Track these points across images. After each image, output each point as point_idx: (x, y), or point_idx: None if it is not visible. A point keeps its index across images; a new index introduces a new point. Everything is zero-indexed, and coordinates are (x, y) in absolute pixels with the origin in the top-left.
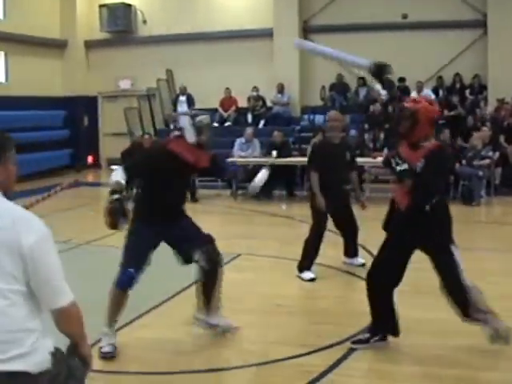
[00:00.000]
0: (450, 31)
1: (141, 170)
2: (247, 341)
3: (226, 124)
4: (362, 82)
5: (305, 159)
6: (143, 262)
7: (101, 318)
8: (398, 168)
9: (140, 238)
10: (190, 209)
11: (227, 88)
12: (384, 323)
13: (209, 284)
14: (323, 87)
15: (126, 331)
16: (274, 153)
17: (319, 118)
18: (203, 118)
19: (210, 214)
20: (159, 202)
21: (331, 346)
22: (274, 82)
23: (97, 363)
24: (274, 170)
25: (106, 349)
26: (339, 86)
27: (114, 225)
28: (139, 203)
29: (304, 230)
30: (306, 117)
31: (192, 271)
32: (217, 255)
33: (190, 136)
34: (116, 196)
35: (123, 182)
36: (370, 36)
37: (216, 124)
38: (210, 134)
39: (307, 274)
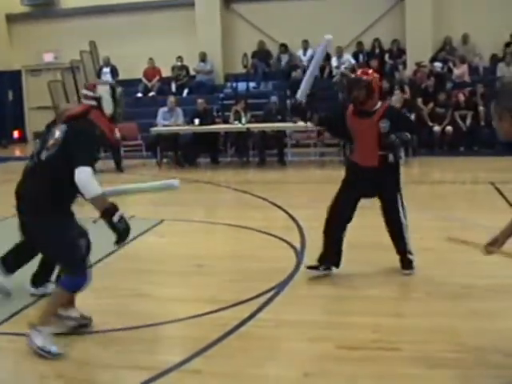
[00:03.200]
0: None
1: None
2: (167, 299)
3: (150, 94)
4: (284, 48)
5: (227, 126)
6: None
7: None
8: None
9: (73, 233)
10: (115, 179)
11: (150, 58)
12: (332, 256)
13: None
14: (245, 54)
15: None
16: (197, 120)
17: (242, 86)
18: (120, 89)
19: (135, 183)
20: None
21: (246, 301)
22: (197, 51)
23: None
24: (198, 137)
25: (53, 348)
26: (261, 53)
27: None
28: (58, 192)
29: (228, 196)
30: (228, 84)
31: None
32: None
33: (108, 107)
34: (119, 214)
35: (98, 187)
36: (290, 4)
37: (140, 94)
38: (123, 108)
39: None
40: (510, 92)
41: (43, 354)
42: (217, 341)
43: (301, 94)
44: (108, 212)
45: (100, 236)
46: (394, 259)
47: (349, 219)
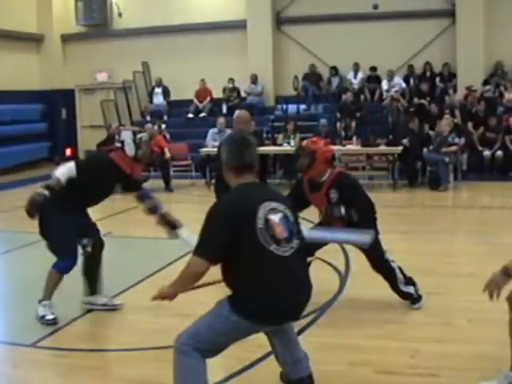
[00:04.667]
0: (419, 20)
1: (87, 170)
2: None
3: (201, 115)
4: (334, 71)
5: (276, 148)
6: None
7: (72, 301)
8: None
9: (71, 227)
10: (165, 198)
11: (202, 79)
12: None
13: (93, 266)
14: (296, 77)
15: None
16: None
17: (292, 108)
18: (143, 135)
19: (184, 202)
20: (89, 199)
21: None
22: (248, 73)
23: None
24: None
25: (51, 316)
26: (312, 76)
27: (30, 215)
28: (68, 196)
29: None
30: (279, 106)
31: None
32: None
33: (130, 150)
34: (46, 192)
35: (64, 179)
36: (341, 27)
37: (191, 115)
38: (146, 150)
39: None
40: None
41: (43, 322)
42: (257, 361)
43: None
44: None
45: (146, 255)
46: (433, 284)
47: None
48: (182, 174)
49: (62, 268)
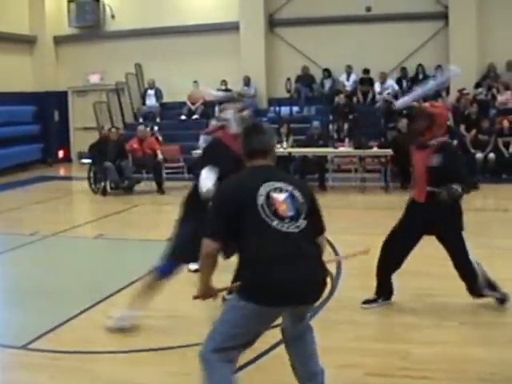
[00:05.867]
0: (412, 23)
1: (225, 162)
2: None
3: (194, 117)
4: (327, 73)
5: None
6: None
7: (64, 303)
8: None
9: (193, 229)
10: (157, 201)
11: (195, 81)
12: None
13: None
14: (289, 79)
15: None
16: None
17: (285, 110)
18: (246, 113)
19: (177, 205)
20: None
21: (279, 325)
22: (241, 75)
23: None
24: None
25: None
26: (305, 78)
27: None
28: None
29: None
30: (272, 109)
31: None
32: None
33: (235, 127)
34: None
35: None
36: (334, 29)
37: (184, 117)
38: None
39: None
40: None
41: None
42: (249, 363)
43: (402, 102)
44: None
45: (137, 257)
46: (426, 286)
47: (402, 258)
48: (175, 176)
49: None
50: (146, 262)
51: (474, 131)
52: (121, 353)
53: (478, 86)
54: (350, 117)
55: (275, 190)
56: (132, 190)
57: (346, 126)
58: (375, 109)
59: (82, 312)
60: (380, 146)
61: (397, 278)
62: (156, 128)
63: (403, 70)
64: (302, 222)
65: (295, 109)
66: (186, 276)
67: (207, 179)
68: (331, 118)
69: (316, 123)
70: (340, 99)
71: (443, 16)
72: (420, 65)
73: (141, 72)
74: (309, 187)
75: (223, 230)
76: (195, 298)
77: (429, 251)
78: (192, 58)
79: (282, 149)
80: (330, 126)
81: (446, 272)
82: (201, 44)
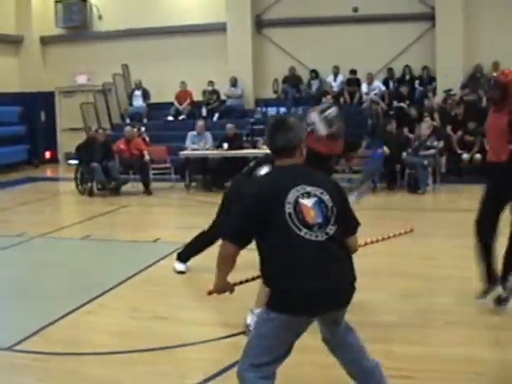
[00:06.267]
0: (399, 24)
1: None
2: (186, 322)
3: (181, 117)
4: (314, 74)
5: (255, 151)
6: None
7: (51, 304)
8: None
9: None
10: (144, 202)
11: (182, 82)
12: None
13: None
14: (276, 80)
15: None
16: (225, 145)
17: (272, 111)
18: (330, 111)
19: (164, 206)
20: None
21: None
22: (228, 76)
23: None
24: (227, 161)
25: None
26: (292, 79)
27: None
28: None
29: None
30: (259, 109)
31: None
32: None
33: (322, 130)
34: None
35: None
36: (321, 30)
37: (171, 118)
38: (340, 124)
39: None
40: None
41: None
42: (233, 364)
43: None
44: None
45: (124, 258)
46: (411, 286)
47: (495, 225)
48: (162, 177)
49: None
50: (133, 263)
51: (460, 132)
52: (107, 354)
53: (464, 86)
54: None
55: (303, 195)
56: (119, 191)
57: None
58: (362, 109)
59: (69, 313)
60: (367, 147)
61: (381, 279)
62: (143, 129)
63: (390, 70)
64: (332, 228)
65: (282, 110)
66: (173, 277)
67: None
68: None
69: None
70: (327, 100)
71: (430, 17)
72: (407, 66)
73: (128, 73)
74: (339, 187)
75: (247, 235)
76: (210, 293)
77: (414, 251)
78: (179, 58)
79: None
80: None
81: (431, 272)
82: (188, 45)
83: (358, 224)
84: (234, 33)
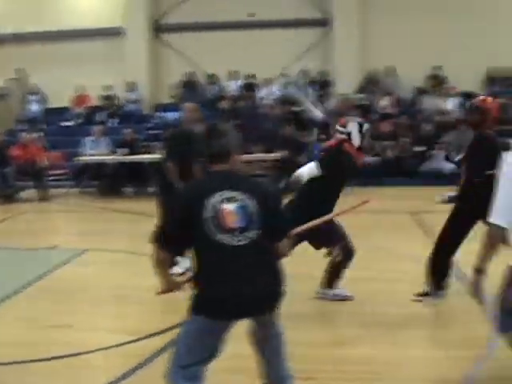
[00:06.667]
0: (296, 29)
1: (335, 167)
2: (87, 329)
3: (78, 122)
4: (212, 79)
5: (152, 156)
6: None
7: None
8: None
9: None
10: (40, 208)
11: (79, 86)
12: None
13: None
14: (174, 84)
15: None
16: (122, 150)
17: (170, 116)
18: (367, 126)
19: (61, 212)
20: (332, 198)
21: (165, 331)
22: (126, 80)
23: None
24: (124, 166)
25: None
26: (190, 83)
27: None
28: (311, 198)
29: (152, 226)
30: (157, 114)
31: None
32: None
33: (356, 140)
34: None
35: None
36: (219, 34)
37: (67, 123)
38: (368, 140)
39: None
40: None
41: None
42: (132, 370)
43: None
44: None
45: (21, 266)
46: (312, 288)
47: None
48: (58, 184)
49: None
50: (31, 271)
51: None
52: (4, 364)
53: (360, 91)
54: (237, 122)
55: (227, 200)
56: (15, 198)
57: None
58: (259, 114)
59: None
60: (264, 151)
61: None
62: (39, 134)
63: (287, 75)
64: (255, 233)
65: (180, 114)
66: (70, 284)
67: (310, 169)
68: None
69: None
70: (225, 104)
71: (327, 23)
72: (304, 70)
73: (24, 77)
74: (273, 193)
75: (174, 239)
76: (159, 293)
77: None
78: (76, 62)
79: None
80: None
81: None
82: (85, 49)
83: (287, 231)
84: (130, 37)
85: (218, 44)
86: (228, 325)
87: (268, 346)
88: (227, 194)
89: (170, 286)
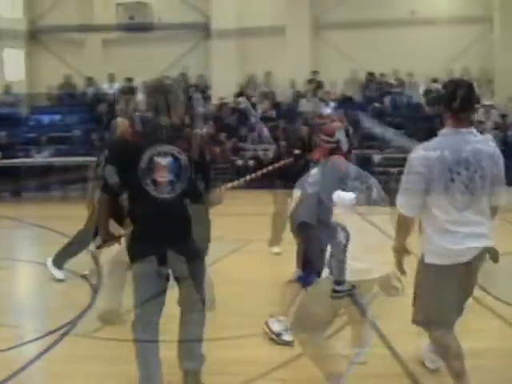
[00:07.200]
0: (173, 32)
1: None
2: None
3: None
4: (90, 81)
5: (28, 160)
6: None
7: None
8: None
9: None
10: None
11: None
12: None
13: None
14: (52, 87)
15: None
16: None
17: (47, 119)
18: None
19: None
20: None
21: (37, 339)
22: (2, 83)
23: None
24: None
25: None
26: (67, 86)
27: None
28: None
29: (28, 232)
30: (33, 117)
31: None
32: None
33: (344, 146)
34: None
35: None
36: (97, 36)
37: None
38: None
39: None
40: None
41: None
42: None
43: None
44: None
45: None
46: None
47: None
48: None
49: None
50: None
51: (234, 139)
52: None
53: (238, 95)
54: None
55: (160, 154)
56: None
57: (107, 135)
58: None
59: None
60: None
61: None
62: None
63: (166, 78)
64: (182, 186)
65: (57, 117)
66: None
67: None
68: (94, 126)
69: (77, 132)
70: (102, 107)
71: (204, 28)
72: (183, 74)
73: None
74: (198, 144)
75: (112, 186)
76: (99, 247)
77: None
78: None
79: (42, 158)
80: (92, 135)
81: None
82: None
83: (212, 182)
84: (7, 39)
85: (95, 47)
86: (153, 268)
87: (190, 318)
88: (161, 147)
89: (108, 238)
